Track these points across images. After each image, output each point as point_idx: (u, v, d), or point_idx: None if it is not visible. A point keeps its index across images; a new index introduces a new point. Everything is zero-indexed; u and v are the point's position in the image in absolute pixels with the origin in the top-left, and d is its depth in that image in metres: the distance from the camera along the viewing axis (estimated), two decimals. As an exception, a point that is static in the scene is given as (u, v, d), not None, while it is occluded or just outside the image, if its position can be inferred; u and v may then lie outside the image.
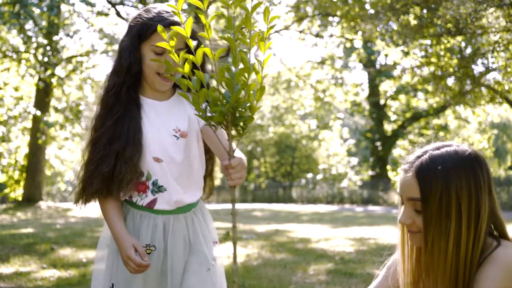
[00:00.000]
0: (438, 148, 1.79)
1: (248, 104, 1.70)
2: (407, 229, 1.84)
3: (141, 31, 2.22)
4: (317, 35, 21.30)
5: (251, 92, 1.70)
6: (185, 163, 2.32)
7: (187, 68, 1.74)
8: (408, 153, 1.87)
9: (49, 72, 16.22)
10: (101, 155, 2.23)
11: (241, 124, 1.71)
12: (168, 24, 2.17)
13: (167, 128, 2.30)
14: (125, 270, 2.22)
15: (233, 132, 1.72)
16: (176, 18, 2.20)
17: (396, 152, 35.65)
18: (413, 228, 1.79)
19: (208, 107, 1.71)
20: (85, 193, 2.27)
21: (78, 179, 2.31)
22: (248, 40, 1.68)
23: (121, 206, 2.32)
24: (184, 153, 2.31)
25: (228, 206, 26.39)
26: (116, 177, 2.21)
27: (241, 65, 1.69)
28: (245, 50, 1.70)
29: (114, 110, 2.27)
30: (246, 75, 1.67)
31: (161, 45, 1.83)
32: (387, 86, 31.28)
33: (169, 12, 2.25)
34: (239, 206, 27.57)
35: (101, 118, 2.32)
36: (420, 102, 31.10)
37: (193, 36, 2.08)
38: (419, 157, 1.79)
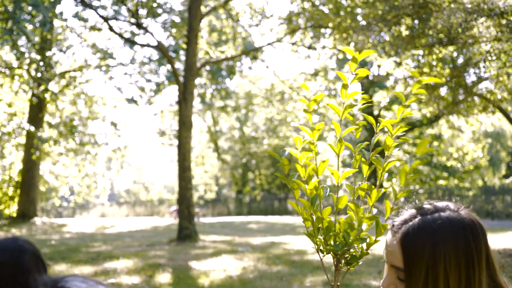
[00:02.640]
0: (429, 213, 1.59)
1: (363, 245, 1.75)
2: None
3: None
4: (310, 47, 21.37)
5: (365, 236, 1.76)
6: None
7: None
8: (398, 211, 1.69)
9: (42, 87, 16.21)
10: None
11: (352, 261, 1.75)
12: None
13: None
14: None
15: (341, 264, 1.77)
16: None
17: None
18: None
19: (320, 239, 1.75)
20: None
21: None
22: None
23: None
24: None
25: (223, 219, 26.35)
26: None
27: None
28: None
29: None
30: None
31: None
32: (380, 97, 31.38)
33: None
34: (235, 218, 27.49)
35: None
36: (414, 112, 31.20)
37: None
38: (406, 222, 1.60)
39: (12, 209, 22.62)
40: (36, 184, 21.94)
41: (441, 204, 1.64)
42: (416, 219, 1.58)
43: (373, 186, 1.81)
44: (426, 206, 1.64)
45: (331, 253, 1.75)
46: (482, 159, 34.01)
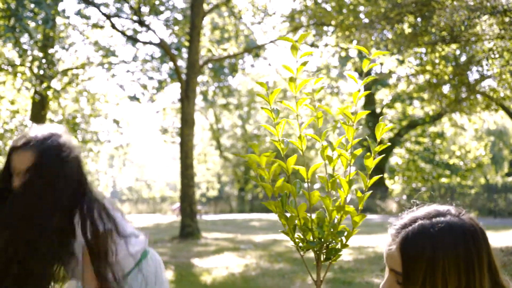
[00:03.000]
0: (429, 217, 1.57)
1: (342, 237, 1.75)
2: None
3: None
4: (312, 45, 21.34)
5: (342, 229, 1.76)
6: None
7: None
8: (399, 214, 1.65)
9: (45, 85, 16.22)
10: None
11: (332, 256, 1.75)
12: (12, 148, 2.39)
13: None
14: None
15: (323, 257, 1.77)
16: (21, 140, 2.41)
17: (393, 160, 35.66)
18: None
19: (299, 236, 1.76)
20: None
21: None
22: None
23: None
24: None
25: (225, 216, 26.38)
26: None
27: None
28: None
29: None
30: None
31: None
32: (383, 95, 31.34)
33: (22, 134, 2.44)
34: (237, 216, 27.51)
35: None
36: (416, 110, 31.17)
37: None
38: (406, 226, 1.59)
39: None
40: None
41: (442, 208, 1.62)
42: (416, 224, 1.57)
43: (342, 178, 1.79)
44: (427, 210, 1.62)
45: (311, 249, 1.74)
46: (484, 157, 33.96)
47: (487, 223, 17.78)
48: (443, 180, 34.33)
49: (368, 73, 1.83)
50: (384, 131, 1.82)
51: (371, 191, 1.86)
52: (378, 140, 1.85)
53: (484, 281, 1.53)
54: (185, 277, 7.43)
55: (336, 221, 1.75)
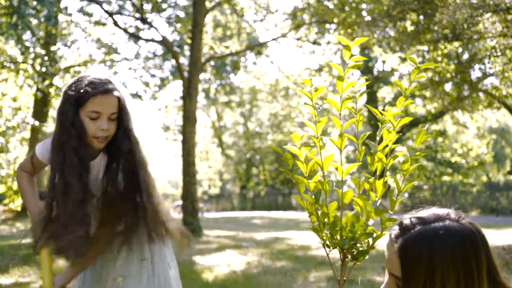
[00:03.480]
0: (428, 223, 1.58)
1: (370, 239, 1.76)
2: None
3: (78, 99, 2.41)
4: (314, 42, 21.32)
5: (370, 231, 1.77)
6: None
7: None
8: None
9: (47, 82, 16.23)
10: None
11: (359, 256, 1.76)
12: (102, 91, 2.41)
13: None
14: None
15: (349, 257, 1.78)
16: (110, 85, 2.46)
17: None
18: None
19: (327, 234, 1.77)
20: None
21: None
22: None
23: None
24: None
25: (227, 214, 26.40)
26: None
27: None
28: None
29: None
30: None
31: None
32: (385, 93, 31.32)
33: (101, 80, 2.46)
34: (239, 214, 27.52)
35: None
36: (418, 108, 31.14)
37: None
38: (405, 230, 1.60)
39: (17, 203, 22.69)
40: (41, 178, 21.98)
41: (441, 212, 1.62)
42: (415, 229, 1.57)
43: (378, 180, 1.81)
44: (426, 214, 1.62)
45: (338, 248, 1.74)
46: (486, 155, 33.93)
47: (489, 221, 17.78)
48: (445, 178, 34.32)
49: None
50: (424, 139, 1.85)
51: (403, 197, 1.87)
52: (418, 147, 1.87)
53: (483, 285, 1.53)
54: (186, 275, 7.44)
55: (370, 222, 1.77)
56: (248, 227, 16.99)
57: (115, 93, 2.46)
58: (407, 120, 1.86)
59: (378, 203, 1.78)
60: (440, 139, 34.04)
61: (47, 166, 2.71)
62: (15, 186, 22.91)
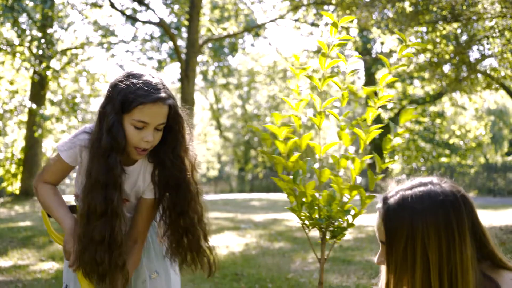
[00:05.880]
0: (411, 188, 1.63)
1: (349, 216, 1.76)
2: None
3: (124, 103, 2.18)
4: (313, 24, 21.23)
5: (349, 209, 1.76)
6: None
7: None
8: (386, 190, 1.72)
9: (44, 65, 16.17)
10: None
11: (337, 234, 1.76)
12: (152, 100, 2.17)
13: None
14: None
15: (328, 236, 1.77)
16: (161, 93, 2.21)
17: (393, 140, 35.60)
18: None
19: (305, 213, 1.76)
20: None
21: None
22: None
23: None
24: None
25: (225, 196, 26.49)
26: None
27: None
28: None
29: None
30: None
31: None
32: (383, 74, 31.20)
33: (152, 85, 2.21)
34: (237, 196, 27.60)
35: None
36: (417, 89, 31.09)
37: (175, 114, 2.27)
38: (389, 197, 1.65)
39: (15, 187, 22.69)
40: (39, 161, 21.97)
41: (425, 179, 1.67)
42: (398, 195, 1.63)
43: (356, 157, 1.80)
44: (411, 182, 1.69)
45: (317, 227, 1.74)
46: (484, 137, 33.94)
47: (487, 202, 17.83)
48: (443, 159, 34.37)
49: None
50: (409, 118, 1.85)
51: (383, 175, 1.88)
52: (402, 125, 1.87)
53: (465, 247, 1.55)
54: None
55: (345, 199, 1.77)
56: (247, 209, 17.04)
57: (168, 101, 2.21)
58: (387, 97, 1.84)
59: (359, 181, 1.78)
60: (438, 121, 34.02)
61: (73, 170, 2.50)
62: (13, 169, 22.92)
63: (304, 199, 1.74)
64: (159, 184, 2.36)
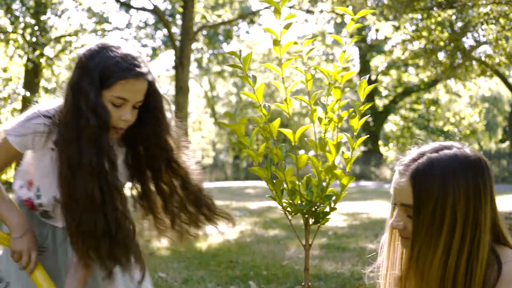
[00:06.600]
0: (436, 151, 1.63)
1: (331, 200, 1.74)
2: (399, 234, 1.71)
3: (103, 78, 1.95)
4: (308, 11, 21.15)
5: (330, 193, 1.74)
6: None
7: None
8: (403, 153, 1.71)
9: (37, 52, 16.09)
10: None
11: (319, 219, 1.74)
12: (135, 75, 1.97)
13: None
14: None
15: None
16: (143, 67, 2.01)
17: (388, 127, 35.69)
18: (405, 234, 1.66)
19: (287, 200, 1.74)
20: None
21: None
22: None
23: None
24: None
25: (220, 184, 26.52)
26: None
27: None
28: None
29: None
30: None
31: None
32: (378, 62, 31.21)
33: (133, 58, 2.01)
34: (232, 183, 27.63)
35: None
36: (411, 77, 31.09)
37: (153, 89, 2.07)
38: (415, 160, 1.64)
39: (10, 175, 22.65)
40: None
41: (446, 143, 1.68)
42: (424, 157, 1.63)
43: (330, 141, 1.78)
44: (432, 145, 1.69)
45: (300, 213, 1.73)
46: (479, 124, 34.04)
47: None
48: (438, 146, 34.44)
49: (361, 35, 1.80)
50: (367, 91, 1.82)
51: (358, 154, 1.86)
52: (362, 99, 1.85)
53: (488, 208, 1.59)
54: (180, 244, 7.47)
55: (324, 183, 1.75)
56: (242, 196, 17.07)
57: (149, 77, 2.03)
58: (350, 74, 1.83)
59: (337, 162, 1.76)
60: (432, 108, 34.07)
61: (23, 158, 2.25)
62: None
63: (284, 186, 1.73)
64: (134, 170, 2.18)
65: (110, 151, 2.01)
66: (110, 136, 2.04)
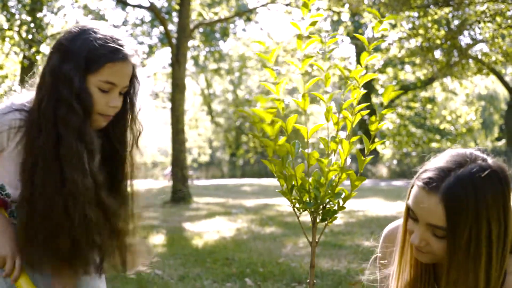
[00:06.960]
0: (462, 165, 1.56)
1: (341, 197, 1.73)
2: (416, 247, 1.65)
3: (89, 61, 1.80)
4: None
5: (340, 191, 1.74)
6: None
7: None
8: (421, 165, 1.64)
9: (34, 49, 16.04)
10: None
11: (326, 217, 1.74)
12: (123, 57, 1.83)
13: None
14: None
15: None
16: (129, 49, 1.86)
17: (384, 125, 35.69)
18: (425, 250, 1.62)
19: (296, 197, 1.73)
20: None
21: None
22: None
23: None
24: None
25: (217, 181, 26.52)
26: None
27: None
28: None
29: None
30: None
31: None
32: (374, 60, 31.23)
33: (119, 40, 1.86)
34: (228, 181, 27.62)
35: None
36: (408, 75, 31.10)
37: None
38: (441, 178, 1.55)
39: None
40: None
41: (467, 153, 1.62)
42: (452, 174, 1.55)
43: (344, 140, 1.78)
44: (454, 158, 1.61)
45: (307, 210, 1.73)
46: (475, 122, 34.09)
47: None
48: (434, 144, 34.50)
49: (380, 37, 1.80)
50: (392, 96, 1.80)
51: (372, 156, 1.86)
52: (386, 104, 1.83)
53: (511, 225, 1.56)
54: (176, 241, 7.48)
55: (333, 182, 1.75)
56: (238, 194, 17.07)
57: (133, 59, 1.88)
58: (371, 76, 1.82)
59: (348, 163, 1.76)
60: (429, 106, 34.10)
61: None
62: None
63: (294, 183, 1.73)
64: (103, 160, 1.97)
65: (92, 140, 1.84)
66: (99, 124, 1.89)
